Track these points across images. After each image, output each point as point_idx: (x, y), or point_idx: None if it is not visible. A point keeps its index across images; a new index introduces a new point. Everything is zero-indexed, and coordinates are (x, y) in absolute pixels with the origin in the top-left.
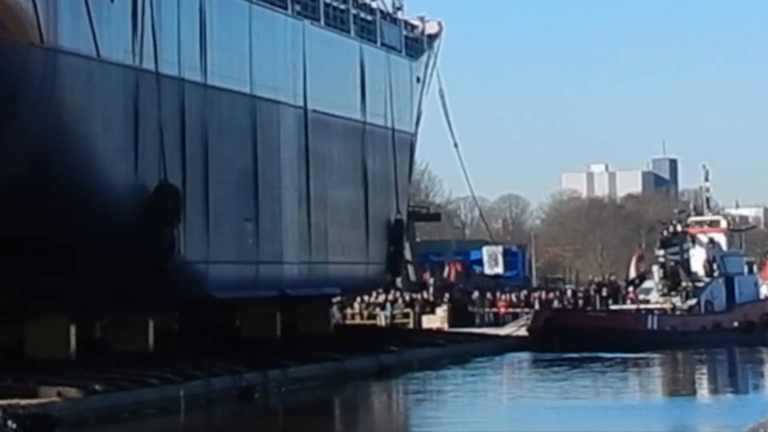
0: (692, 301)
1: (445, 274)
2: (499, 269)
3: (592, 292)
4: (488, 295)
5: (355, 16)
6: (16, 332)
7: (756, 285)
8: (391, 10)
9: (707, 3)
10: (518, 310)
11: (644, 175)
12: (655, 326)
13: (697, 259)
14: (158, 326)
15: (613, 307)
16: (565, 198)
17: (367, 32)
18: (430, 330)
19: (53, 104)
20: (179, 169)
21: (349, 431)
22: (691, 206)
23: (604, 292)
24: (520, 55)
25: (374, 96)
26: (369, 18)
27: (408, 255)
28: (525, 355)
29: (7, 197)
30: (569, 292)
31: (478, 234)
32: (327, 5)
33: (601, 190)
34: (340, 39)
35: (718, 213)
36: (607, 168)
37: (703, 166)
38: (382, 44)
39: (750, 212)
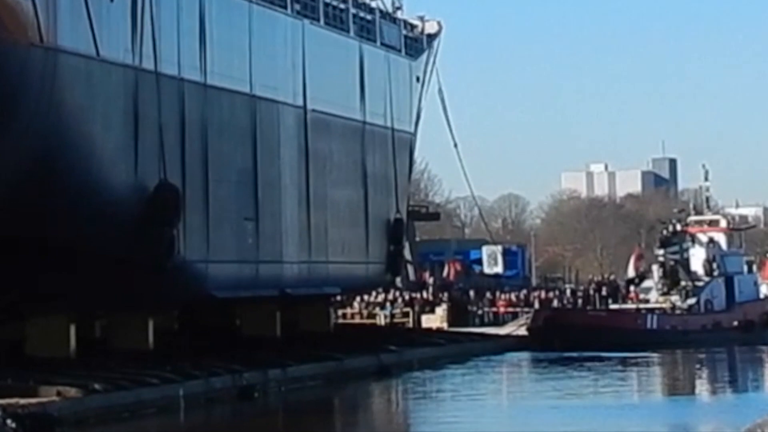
0: (692, 301)
1: (445, 273)
2: (499, 269)
3: (591, 292)
4: (488, 294)
5: (354, 15)
6: (16, 331)
7: (755, 284)
8: (390, 10)
9: (707, 3)
10: (518, 309)
11: (644, 174)
12: (655, 325)
13: (697, 259)
14: (158, 325)
15: (612, 306)
16: (565, 197)
17: (366, 32)
18: (429, 329)
19: (53, 104)
20: (179, 168)
21: (349, 431)
22: (691, 206)
23: (604, 292)
24: (520, 55)
25: (374, 95)
26: (368, 17)
27: (408, 254)
28: (524, 355)
29: (7, 197)
30: (569, 292)
31: (477, 233)
32: (326, 5)
33: (600, 190)
34: (339, 38)
35: (717, 212)
36: (606, 167)
37: (703, 166)
38: (382, 44)
39: (750, 211)
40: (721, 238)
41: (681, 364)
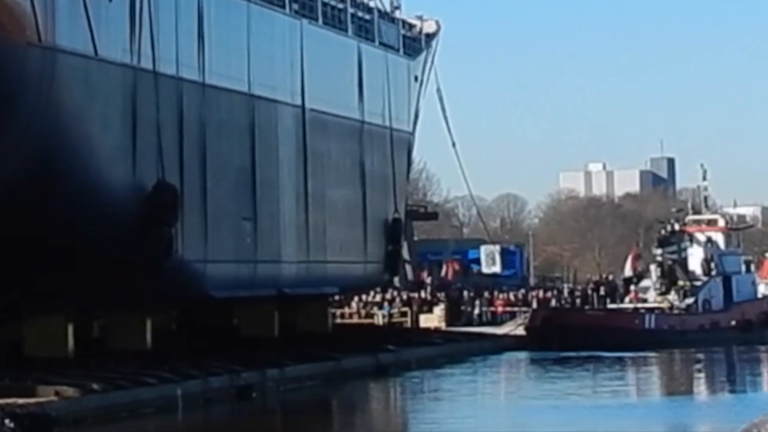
0: (690, 300)
1: (443, 273)
2: (497, 268)
3: (589, 291)
4: (486, 294)
5: (352, 15)
6: (14, 331)
7: (754, 284)
8: (389, 9)
9: (706, 3)
10: (516, 309)
11: (642, 174)
12: (653, 325)
13: (695, 258)
14: (156, 325)
15: (610, 306)
16: (563, 197)
17: (364, 31)
18: (427, 329)
19: (51, 103)
20: (177, 168)
21: (347, 431)
22: (689, 205)
23: (602, 291)
24: (518, 54)
25: (372, 95)
26: (367, 17)
27: (406, 254)
28: (523, 354)
29: (5, 197)
30: (567, 291)
31: (476, 233)
32: (325, 4)
33: (598, 189)
34: (337, 38)
35: (715, 212)
36: (604, 167)
37: (701, 165)
38: (380, 43)
39: (748, 211)
40: (719, 238)
41: (679, 363)
